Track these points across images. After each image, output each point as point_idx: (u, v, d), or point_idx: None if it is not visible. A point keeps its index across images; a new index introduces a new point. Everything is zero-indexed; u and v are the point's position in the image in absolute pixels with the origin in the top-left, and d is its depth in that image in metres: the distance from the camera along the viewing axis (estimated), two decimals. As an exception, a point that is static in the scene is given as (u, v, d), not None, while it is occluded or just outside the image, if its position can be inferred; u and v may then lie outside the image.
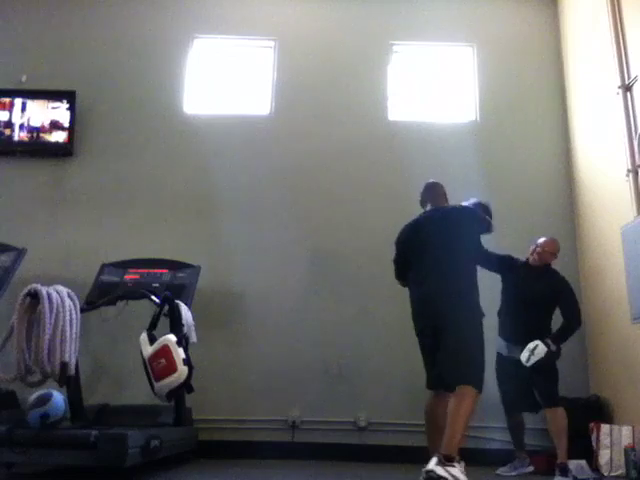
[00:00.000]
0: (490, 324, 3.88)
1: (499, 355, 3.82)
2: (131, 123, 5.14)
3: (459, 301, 2.94)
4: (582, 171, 4.81)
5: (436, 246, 3.07)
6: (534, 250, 3.84)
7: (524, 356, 3.59)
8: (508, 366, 3.75)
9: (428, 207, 3.29)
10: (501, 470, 3.76)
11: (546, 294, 3.73)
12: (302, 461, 4.12)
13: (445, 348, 2.88)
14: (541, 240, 3.87)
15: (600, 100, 4.50)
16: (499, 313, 3.87)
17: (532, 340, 3.61)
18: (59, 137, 5.00)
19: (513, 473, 3.72)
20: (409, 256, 3.18)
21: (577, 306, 3.76)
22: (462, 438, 2.71)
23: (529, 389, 3.70)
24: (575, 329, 3.72)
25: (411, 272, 3.17)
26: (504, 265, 3.85)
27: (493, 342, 3.86)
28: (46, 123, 5.02)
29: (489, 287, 3.54)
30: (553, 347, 3.55)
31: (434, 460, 2.67)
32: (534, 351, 3.56)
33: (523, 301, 3.75)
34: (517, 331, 3.75)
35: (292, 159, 5.05)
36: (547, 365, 3.59)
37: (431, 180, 3.39)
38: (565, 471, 3.45)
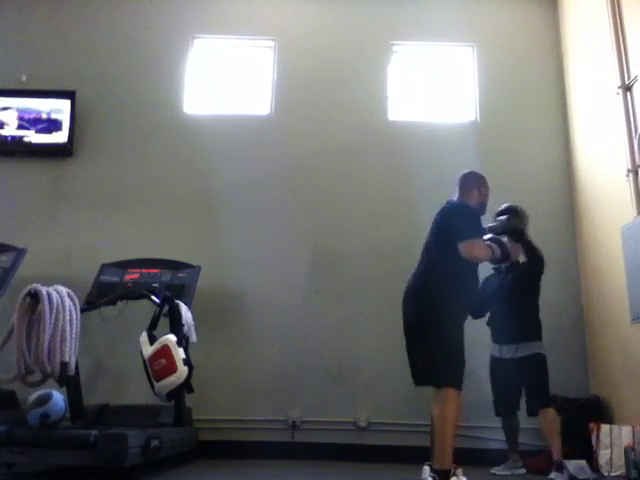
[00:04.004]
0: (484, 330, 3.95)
1: (492, 357, 3.87)
2: (131, 123, 5.14)
3: (428, 299, 2.85)
4: (582, 171, 4.81)
5: (425, 244, 3.05)
6: None
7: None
8: (501, 367, 3.78)
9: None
10: (495, 469, 3.78)
11: (517, 281, 3.80)
12: (302, 461, 4.12)
13: (417, 349, 2.85)
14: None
15: (600, 100, 4.50)
16: (488, 323, 3.92)
17: (519, 334, 3.70)
18: (59, 137, 4.99)
19: (507, 472, 3.74)
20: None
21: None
22: (454, 442, 2.65)
23: (520, 389, 3.75)
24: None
25: None
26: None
27: (487, 347, 3.90)
28: (46, 123, 5.02)
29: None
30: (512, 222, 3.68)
31: (426, 470, 2.68)
32: None
33: (500, 298, 3.82)
34: (503, 330, 3.79)
35: (292, 159, 5.04)
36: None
37: (466, 170, 3.32)
38: (560, 467, 3.47)
